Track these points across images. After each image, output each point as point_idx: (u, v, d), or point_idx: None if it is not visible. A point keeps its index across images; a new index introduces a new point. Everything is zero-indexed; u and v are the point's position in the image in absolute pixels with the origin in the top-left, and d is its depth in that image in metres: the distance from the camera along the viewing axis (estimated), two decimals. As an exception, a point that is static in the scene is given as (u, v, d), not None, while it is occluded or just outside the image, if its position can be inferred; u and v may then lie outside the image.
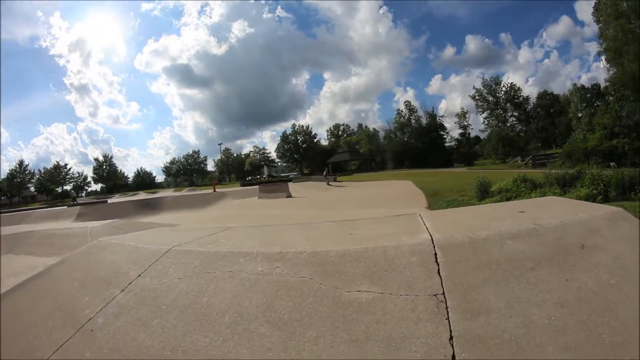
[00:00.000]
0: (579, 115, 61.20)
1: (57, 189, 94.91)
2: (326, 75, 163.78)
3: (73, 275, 5.13)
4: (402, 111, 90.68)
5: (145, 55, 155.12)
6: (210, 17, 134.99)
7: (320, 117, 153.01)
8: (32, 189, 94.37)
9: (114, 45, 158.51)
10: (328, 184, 34.16)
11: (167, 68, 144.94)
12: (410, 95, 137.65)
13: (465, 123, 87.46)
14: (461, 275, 2.86)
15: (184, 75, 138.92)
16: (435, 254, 3.10)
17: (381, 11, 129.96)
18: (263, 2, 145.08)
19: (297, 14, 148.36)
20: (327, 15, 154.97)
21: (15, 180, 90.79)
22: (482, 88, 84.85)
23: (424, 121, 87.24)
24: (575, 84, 67.30)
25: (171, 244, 4.72)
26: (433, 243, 3.24)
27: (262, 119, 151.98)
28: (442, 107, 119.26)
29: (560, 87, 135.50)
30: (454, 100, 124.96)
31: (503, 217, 4.10)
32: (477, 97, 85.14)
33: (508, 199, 13.60)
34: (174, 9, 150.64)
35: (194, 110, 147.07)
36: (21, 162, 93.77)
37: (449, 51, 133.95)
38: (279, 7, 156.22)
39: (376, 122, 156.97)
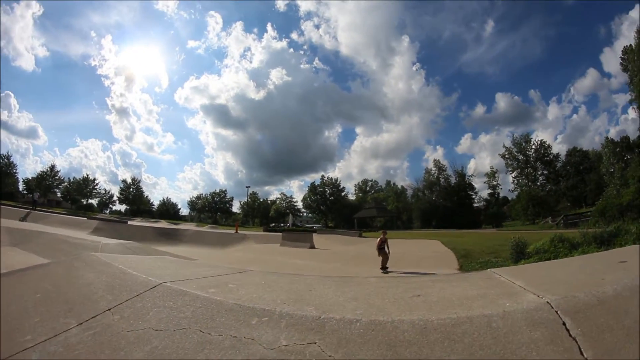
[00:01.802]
0: (611, 169, 58.60)
1: (82, 200, 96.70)
2: (358, 130, 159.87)
3: (40, 286, 4.29)
4: (431, 170, 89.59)
5: (186, 90, 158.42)
6: (251, 62, 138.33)
7: (350, 171, 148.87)
8: (59, 194, 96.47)
9: (157, 76, 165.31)
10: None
11: (205, 106, 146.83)
12: (439, 154, 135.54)
13: (495, 183, 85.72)
14: (613, 352, 1.84)
15: (220, 115, 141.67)
16: (564, 324, 2.07)
17: (414, 68, 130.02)
18: (302, 52, 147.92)
19: (334, 67, 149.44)
20: (362, 70, 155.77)
21: (44, 182, 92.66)
22: (512, 146, 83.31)
23: (452, 180, 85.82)
24: (607, 137, 64.33)
25: (165, 277, 3.68)
26: (552, 307, 2.21)
27: (292, 167, 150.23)
28: (471, 167, 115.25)
29: (589, 142, 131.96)
30: (483, 159, 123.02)
31: (604, 269, 3.30)
32: (507, 156, 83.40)
33: (547, 260, 12.97)
34: (218, 50, 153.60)
35: (226, 150, 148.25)
36: (53, 167, 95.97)
37: (480, 109, 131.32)
38: (317, 58, 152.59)
39: (404, 180, 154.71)
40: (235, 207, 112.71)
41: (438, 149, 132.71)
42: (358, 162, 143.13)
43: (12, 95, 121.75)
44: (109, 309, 3.08)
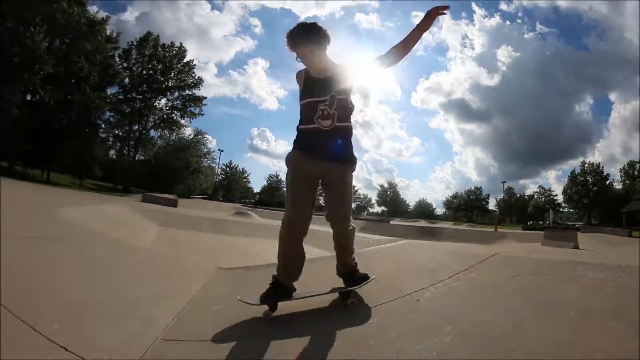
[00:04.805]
0: None
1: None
2: (612, 97, 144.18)
3: (391, 258, 5.83)
4: None
5: (420, 93, 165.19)
6: (473, 49, 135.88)
7: (612, 152, 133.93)
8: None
9: (388, 86, 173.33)
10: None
11: (443, 104, 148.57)
12: None
13: None
14: None
15: (460, 109, 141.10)
16: None
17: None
18: (519, 21, 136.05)
19: (559, 26, 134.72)
20: (592, 18, 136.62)
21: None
22: None
23: None
24: None
25: (492, 251, 4.94)
26: None
27: (546, 155, 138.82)
28: None
29: None
30: None
31: None
32: None
33: None
34: (437, 46, 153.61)
35: (474, 145, 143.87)
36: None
37: None
38: (537, 22, 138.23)
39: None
40: (491, 205, 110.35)
41: None
42: (620, 138, 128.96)
43: (268, 129, 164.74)
44: (466, 269, 4.46)
